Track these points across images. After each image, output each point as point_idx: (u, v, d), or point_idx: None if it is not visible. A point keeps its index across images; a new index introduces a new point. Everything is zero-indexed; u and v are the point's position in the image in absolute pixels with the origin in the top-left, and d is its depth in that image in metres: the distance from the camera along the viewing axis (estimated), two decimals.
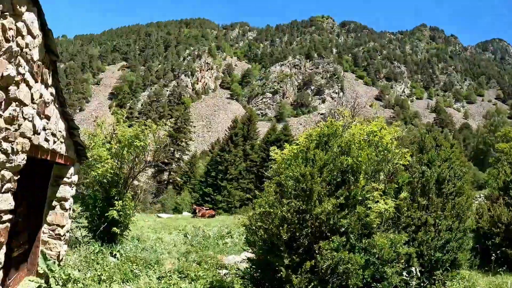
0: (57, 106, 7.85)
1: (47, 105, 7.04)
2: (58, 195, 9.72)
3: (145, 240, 23.55)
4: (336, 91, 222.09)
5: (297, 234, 8.43)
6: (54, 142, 7.90)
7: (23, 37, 5.36)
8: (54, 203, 9.70)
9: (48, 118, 7.22)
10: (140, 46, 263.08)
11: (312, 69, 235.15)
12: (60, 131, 8.21)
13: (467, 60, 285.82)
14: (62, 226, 9.72)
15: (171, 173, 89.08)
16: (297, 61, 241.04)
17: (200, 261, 18.76)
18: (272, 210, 8.54)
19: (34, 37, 5.80)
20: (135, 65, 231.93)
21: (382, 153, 10.77)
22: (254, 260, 10.57)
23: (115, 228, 15.22)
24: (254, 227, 9.50)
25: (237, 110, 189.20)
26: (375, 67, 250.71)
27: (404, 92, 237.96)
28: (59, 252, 9.73)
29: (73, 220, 16.56)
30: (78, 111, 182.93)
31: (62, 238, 9.78)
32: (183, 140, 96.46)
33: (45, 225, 9.65)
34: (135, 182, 20.37)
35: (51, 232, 9.65)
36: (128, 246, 19.13)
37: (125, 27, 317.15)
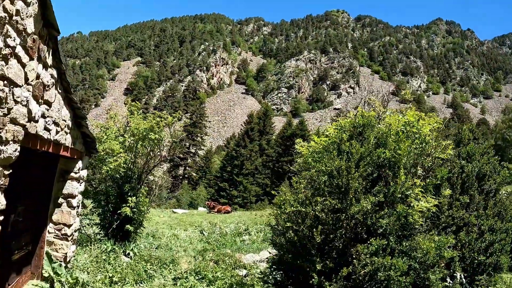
0: (59, 91, 6.94)
1: (47, 88, 6.14)
2: (64, 191, 8.86)
3: (160, 237, 22.76)
4: (352, 85, 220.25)
5: (331, 236, 7.46)
6: (57, 132, 7.01)
7: (12, 1, 4.43)
8: (61, 200, 8.84)
9: (48, 104, 6.33)
10: (155, 41, 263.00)
11: (327, 64, 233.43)
12: (64, 120, 7.31)
13: (484, 55, 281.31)
14: (69, 226, 8.86)
15: (187, 168, 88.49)
16: (313, 56, 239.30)
17: (217, 260, 17.88)
18: (304, 210, 7.54)
19: (27, 4, 4.88)
20: (150, 60, 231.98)
21: (420, 145, 9.70)
22: (280, 263, 9.52)
23: (128, 226, 14.37)
24: (281, 228, 8.53)
25: (252, 105, 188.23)
26: (391, 62, 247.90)
27: (421, 87, 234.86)
28: (66, 253, 8.88)
29: (85, 217, 15.77)
30: (93, 106, 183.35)
31: (69, 238, 8.92)
32: (199, 135, 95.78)
33: (50, 225, 8.80)
34: (150, 178, 19.53)
35: (57, 232, 8.79)
36: (142, 244, 18.32)
37: (140, 23, 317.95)
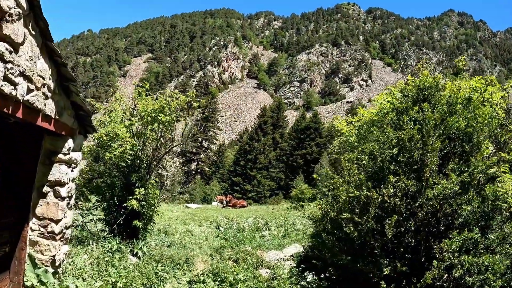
0: (33, 32, 5.05)
1: (8, 18, 4.25)
2: (50, 177, 6.98)
3: (173, 233, 20.96)
4: (365, 78, 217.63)
5: (401, 229, 5.53)
6: (30, 90, 5.15)
7: None
8: (46, 189, 6.97)
9: (11, 43, 4.44)
10: (165, 37, 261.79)
11: (339, 57, 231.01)
12: (41, 77, 5.43)
13: (497, 46, 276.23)
14: (57, 221, 6.98)
15: (199, 163, 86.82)
16: (324, 49, 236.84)
17: (237, 258, 15.98)
18: (369, 194, 5.59)
19: None
20: (161, 56, 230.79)
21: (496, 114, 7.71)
22: (326, 266, 7.57)
23: (136, 221, 12.49)
24: (325, 221, 6.61)
25: (264, 100, 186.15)
26: (403, 54, 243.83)
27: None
28: (53, 256, 7.02)
29: (88, 212, 13.95)
30: (105, 102, 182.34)
31: (58, 237, 7.05)
32: (211, 129, 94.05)
33: (34, 220, 6.94)
34: (163, 172, 17.76)
35: (41, 229, 6.93)
36: (153, 242, 16.51)
37: (150, 20, 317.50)
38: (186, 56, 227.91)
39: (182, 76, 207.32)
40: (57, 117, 6.33)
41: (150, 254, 12.81)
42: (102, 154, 12.23)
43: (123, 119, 12.97)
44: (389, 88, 8.37)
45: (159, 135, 13.30)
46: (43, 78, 5.50)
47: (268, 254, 17.18)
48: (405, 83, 8.64)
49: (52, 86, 5.90)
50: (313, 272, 12.38)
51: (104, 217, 13.52)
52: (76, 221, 14.33)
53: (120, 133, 11.99)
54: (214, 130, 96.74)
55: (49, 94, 5.84)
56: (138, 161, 13.34)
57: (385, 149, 5.92)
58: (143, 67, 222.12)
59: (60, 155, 7.03)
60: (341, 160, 7.51)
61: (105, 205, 13.47)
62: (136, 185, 12.55)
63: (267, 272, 14.83)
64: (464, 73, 10.69)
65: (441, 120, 6.10)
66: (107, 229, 13.43)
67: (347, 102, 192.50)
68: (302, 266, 13.94)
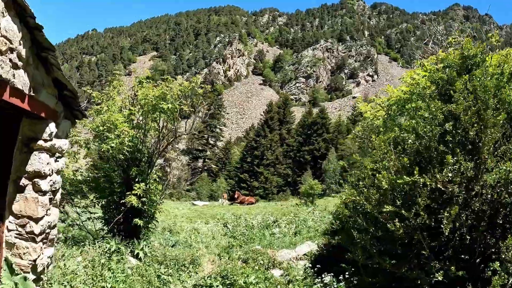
0: None
1: None
2: (29, 168, 5.90)
3: (178, 231, 19.94)
4: (370, 73, 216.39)
5: (457, 224, 4.44)
6: None
7: None
8: (24, 181, 5.90)
9: None
10: (170, 35, 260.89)
11: (345, 52, 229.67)
12: (6, 38, 4.36)
13: (503, 40, 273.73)
14: (37, 219, 5.91)
15: (206, 160, 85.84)
16: (329, 45, 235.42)
17: (246, 258, 14.90)
18: (419, 181, 4.48)
19: None
20: (166, 54, 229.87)
21: None
22: (353, 269, 6.46)
23: (137, 220, 11.44)
24: (356, 215, 5.51)
25: (270, 96, 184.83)
26: (409, 49, 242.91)
27: None
28: (34, 260, 5.96)
29: (85, 210, 12.93)
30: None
31: (38, 238, 5.98)
32: (217, 126, 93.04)
33: (11, 218, 5.88)
34: (167, 168, 16.70)
35: (19, 228, 5.87)
36: (156, 241, 15.48)
37: (154, 18, 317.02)
38: (191, 54, 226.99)
39: (188, 73, 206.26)
40: (32, 93, 5.27)
41: (153, 255, 11.78)
42: (98, 146, 11.19)
43: (121, 108, 11.93)
44: (421, 63, 7.27)
45: (161, 125, 12.24)
46: (10, 41, 4.42)
47: (279, 253, 16.11)
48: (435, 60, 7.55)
49: (23, 53, 4.83)
50: (331, 274, 11.31)
51: (103, 215, 12.50)
52: (73, 220, 13.35)
53: (117, 123, 10.95)
54: (220, 127, 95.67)
55: (20, 63, 4.77)
56: (139, 154, 12.31)
57: (433, 126, 4.82)
58: (148, 65, 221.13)
59: (40, 142, 5.96)
60: (365, 147, 6.46)
61: (104, 202, 12.45)
62: (136, 180, 11.51)
63: (279, 273, 13.77)
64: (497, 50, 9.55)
65: (496, 90, 5.02)
66: (106, 228, 12.40)
67: (353, 97, 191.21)
68: (317, 266, 12.89)
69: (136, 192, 11.00)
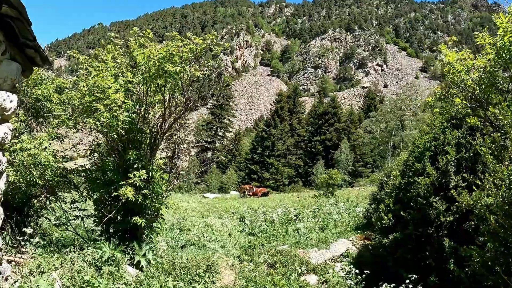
0: None
1: None
2: None
3: (189, 228, 17.32)
4: (379, 63, 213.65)
5: None
6: None
7: None
8: None
9: None
10: (176, 28, 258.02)
11: (353, 42, 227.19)
12: None
13: None
14: None
15: (215, 151, 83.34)
16: (338, 35, 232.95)
17: (273, 262, 12.28)
18: None
19: None
20: None
21: None
22: None
23: (137, 218, 8.73)
24: None
25: (278, 87, 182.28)
26: (417, 38, 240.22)
27: None
28: None
29: (71, 207, 10.34)
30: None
31: None
32: (226, 117, 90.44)
33: None
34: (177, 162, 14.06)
35: None
36: (164, 242, 12.93)
37: (160, 11, 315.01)
38: None
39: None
40: None
41: (158, 263, 9.16)
42: (83, 121, 8.57)
43: (117, 76, 9.26)
44: None
45: (166, 96, 9.54)
46: None
47: (311, 254, 13.44)
48: None
49: None
50: (393, 285, 8.70)
51: (95, 213, 9.85)
52: (59, 219, 10.77)
53: (109, 92, 8.30)
54: (229, 118, 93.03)
55: None
56: (139, 135, 9.67)
57: None
58: None
59: None
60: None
61: (96, 196, 9.80)
62: (136, 166, 8.84)
63: (315, 280, 11.12)
64: None
65: None
66: (99, 228, 9.77)
67: (363, 87, 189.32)
68: (365, 271, 10.30)
69: (133, 181, 8.33)
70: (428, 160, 10.36)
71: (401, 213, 10.17)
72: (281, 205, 25.77)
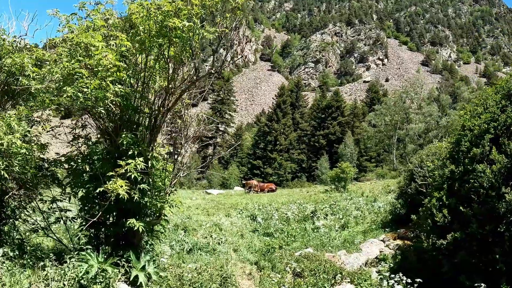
0: None
1: None
2: None
3: (195, 228, 15.21)
4: (381, 57, 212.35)
5: None
6: None
7: None
8: None
9: None
10: None
11: (354, 36, 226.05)
12: None
13: None
14: None
15: (216, 147, 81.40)
16: (338, 29, 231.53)
17: (302, 270, 10.19)
18: None
19: None
20: None
21: None
22: None
23: (133, 221, 6.59)
24: None
25: (279, 82, 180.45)
26: (418, 32, 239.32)
27: (451, 56, 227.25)
28: None
29: (50, 207, 8.25)
30: None
31: None
32: (227, 111, 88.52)
33: None
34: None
35: None
36: (167, 246, 10.90)
37: None
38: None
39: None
40: None
41: (161, 278, 7.08)
42: (63, 92, 6.45)
43: (107, 35, 7.14)
44: None
45: (170, 64, 7.42)
46: None
47: (342, 258, 11.40)
48: None
49: None
50: None
51: (81, 213, 7.74)
52: (36, 223, 8.64)
53: (96, 52, 6.22)
54: (230, 113, 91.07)
55: None
56: (136, 115, 7.59)
57: None
58: None
59: None
60: None
61: (83, 193, 7.70)
62: (130, 153, 6.72)
63: None
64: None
65: None
66: (85, 234, 7.65)
67: (364, 81, 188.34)
68: (417, 279, 8.28)
69: (127, 172, 6.21)
70: (489, 144, 8.41)
71: (460, 208, 8.19)
72: (292, 201, 23.71)
